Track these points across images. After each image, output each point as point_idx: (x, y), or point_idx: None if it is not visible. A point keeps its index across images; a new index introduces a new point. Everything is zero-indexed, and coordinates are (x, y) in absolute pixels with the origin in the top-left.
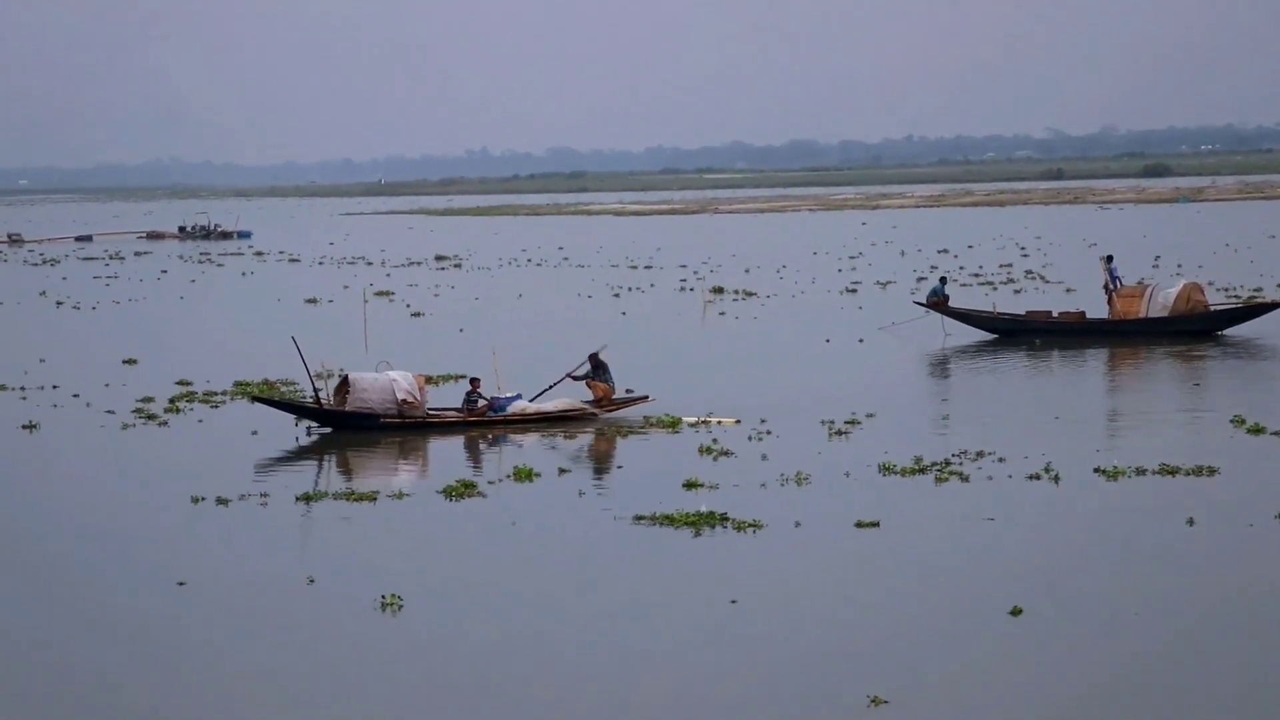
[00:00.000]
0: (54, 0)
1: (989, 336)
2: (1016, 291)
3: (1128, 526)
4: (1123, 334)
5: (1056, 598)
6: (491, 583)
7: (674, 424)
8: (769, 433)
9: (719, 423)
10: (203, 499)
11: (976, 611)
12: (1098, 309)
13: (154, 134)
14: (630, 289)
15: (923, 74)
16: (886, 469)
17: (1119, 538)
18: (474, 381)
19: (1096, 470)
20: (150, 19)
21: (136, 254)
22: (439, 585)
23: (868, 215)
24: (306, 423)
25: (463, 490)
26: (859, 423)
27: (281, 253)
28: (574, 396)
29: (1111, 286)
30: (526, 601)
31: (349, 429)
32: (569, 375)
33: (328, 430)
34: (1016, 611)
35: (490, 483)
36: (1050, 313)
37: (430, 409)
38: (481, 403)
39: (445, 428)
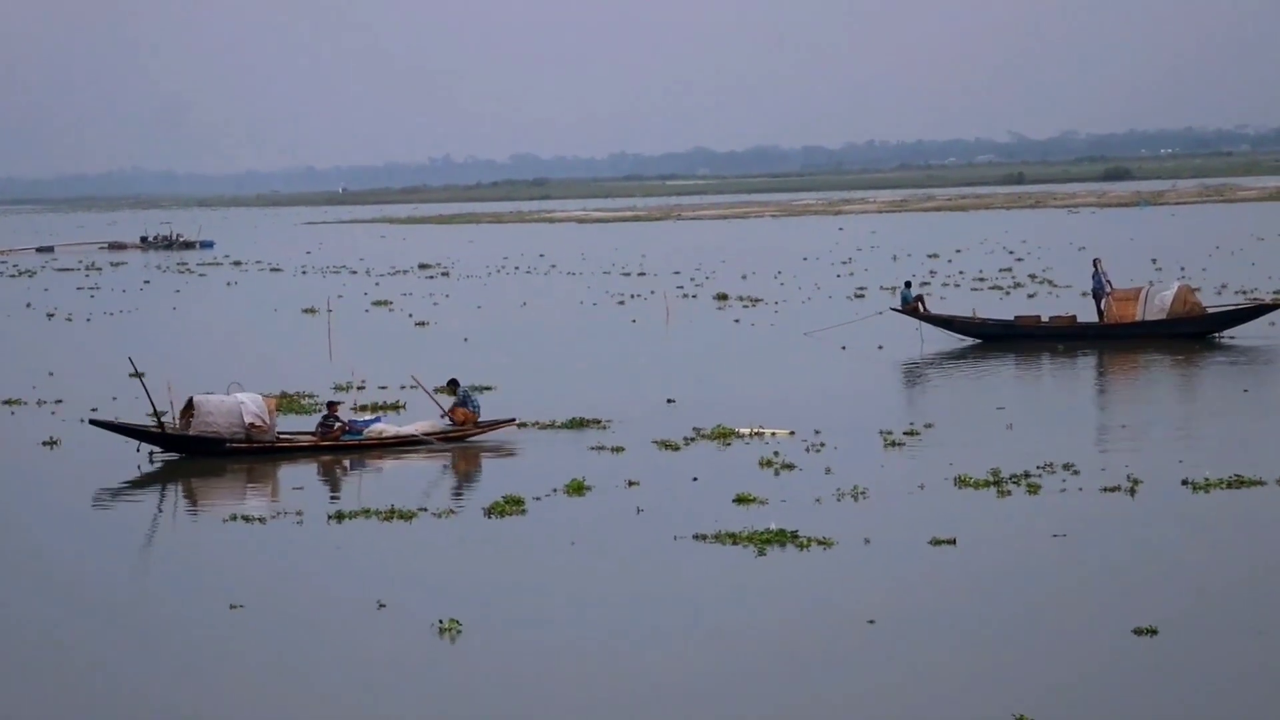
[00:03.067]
0: (13, 9)
1: (971, 342)
2: (1030, 296)
3: (1232, 540)
4: (1120, 337)
5: (1173, 615)
6: (559, 605)
7: (725, 436)
8: (823, 444)
9: (773, 434)
10: (235, 518)
11: (1098, 630)
12: (1090, 313)
13: (115, 143)
14: (633, 296)
15: (884, 79)
16: (962, 481)
17: (1226, 552)
18: (331, 405)
19: (1184, 482)
20: (116, 24)
21: (113, 265)
22: (502, 609)
23: (839, 221)
24: (149, 447)
25: (507, 508)
26: (918, 433)
27: (259, 262)
28: (434, 419)
29: (1106, 290)
30: (611, 629)
31: (194, 454)
32: (433, 393)
33: (173, 455)
34: (1146, 631)
35: (536, 499)
36: (1039, 317)
37: (282, 433)
38: (338, 425)
39: (297, 452)
